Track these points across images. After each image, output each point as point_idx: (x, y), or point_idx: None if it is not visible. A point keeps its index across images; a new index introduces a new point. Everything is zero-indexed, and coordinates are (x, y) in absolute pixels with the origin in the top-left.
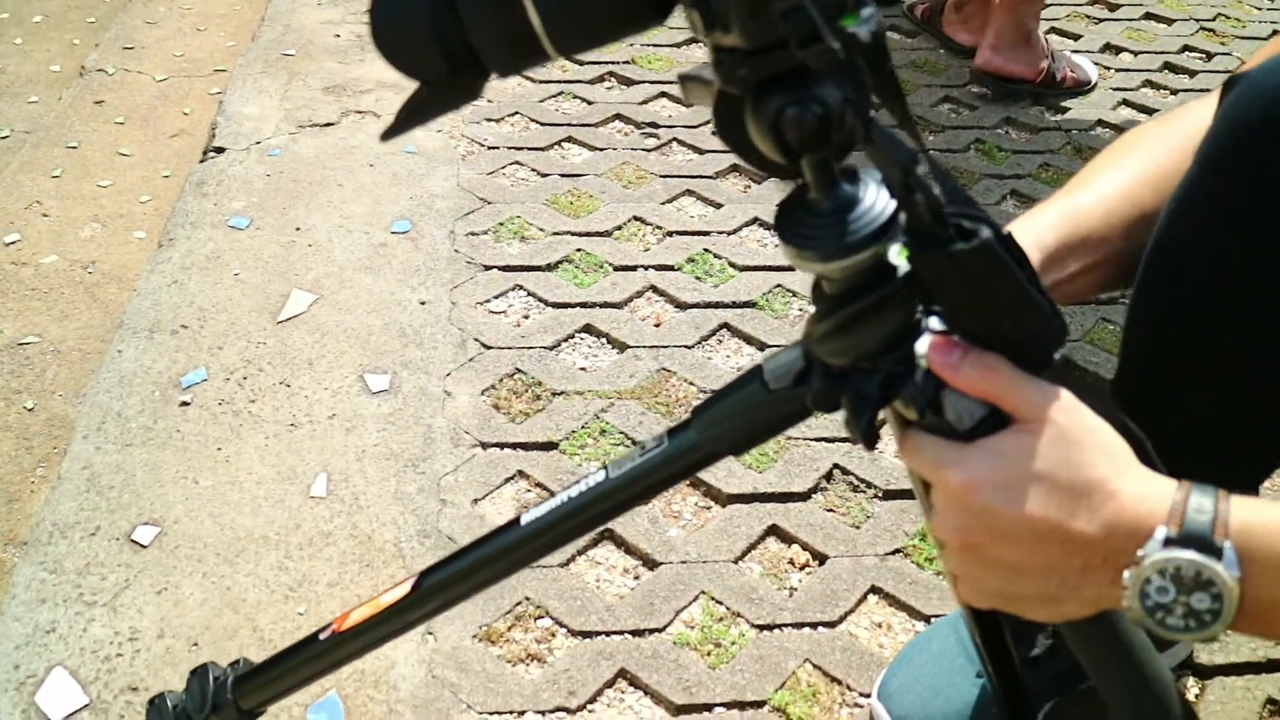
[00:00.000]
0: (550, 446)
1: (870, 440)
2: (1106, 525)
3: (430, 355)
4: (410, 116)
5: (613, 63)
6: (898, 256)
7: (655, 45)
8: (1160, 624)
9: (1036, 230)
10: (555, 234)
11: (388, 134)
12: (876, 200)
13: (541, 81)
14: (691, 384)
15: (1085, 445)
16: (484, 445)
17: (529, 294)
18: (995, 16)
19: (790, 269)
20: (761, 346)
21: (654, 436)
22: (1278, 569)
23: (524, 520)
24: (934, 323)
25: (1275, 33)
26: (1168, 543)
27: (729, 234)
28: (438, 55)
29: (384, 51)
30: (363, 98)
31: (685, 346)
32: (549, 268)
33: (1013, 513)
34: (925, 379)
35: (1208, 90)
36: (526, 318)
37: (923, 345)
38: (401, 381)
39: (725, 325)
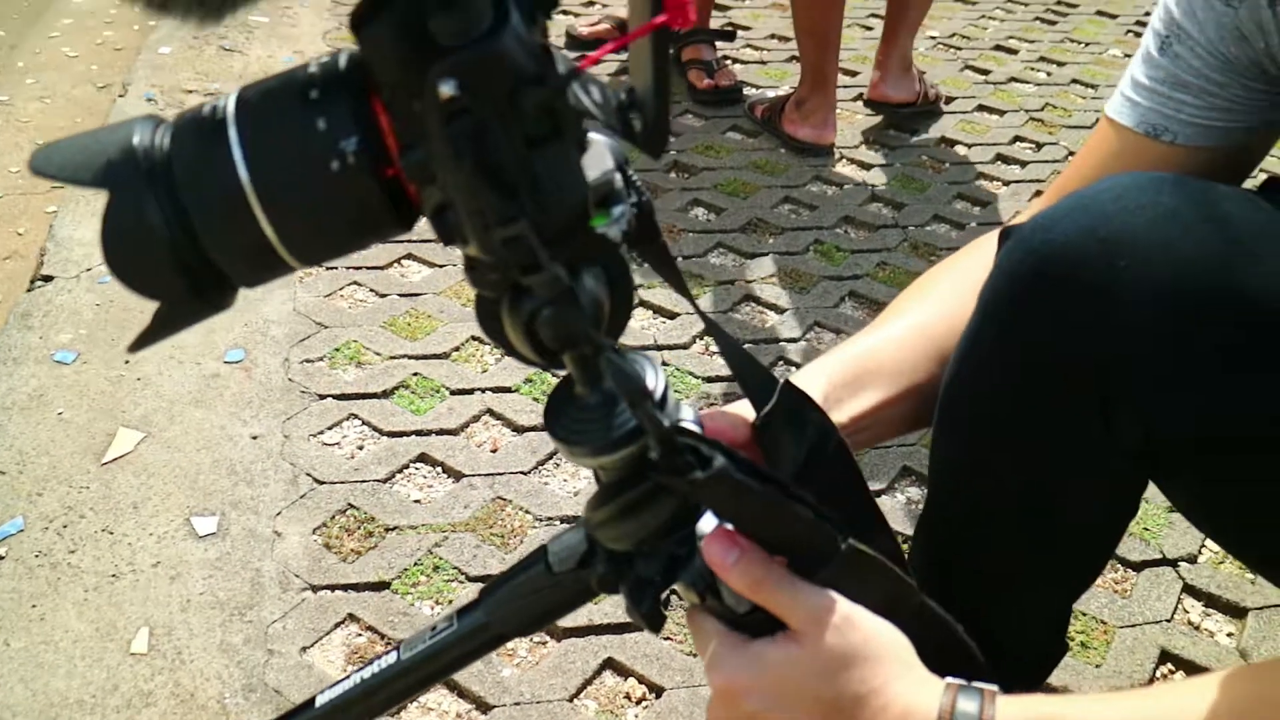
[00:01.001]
0: (382, 586)
1: (655, 624)
2: None
3: (260, 494)
4: (160, 328)
5: None
6: None
7: None
8: None
9: (831, 365)
10: (392, 358)
11: (135, 346)
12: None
13: None
14: (527, 512)
15: (853, 659)
16: (314, 588)
17: (363, 423)
18: (884, 53)
19: None
20: None
21: (444, 616)
22: None
23: (318, 702)
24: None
25: (1097, 120)
26: None
27: None
28: (177, 275)
29: (122, 278)
30: None
31: (522, 473)
32: (384, 394)
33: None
34: (704, 563)
35: (1039, 182)
36: (361, 449)
37: (706, 524)
38: (230, 523)
39: None
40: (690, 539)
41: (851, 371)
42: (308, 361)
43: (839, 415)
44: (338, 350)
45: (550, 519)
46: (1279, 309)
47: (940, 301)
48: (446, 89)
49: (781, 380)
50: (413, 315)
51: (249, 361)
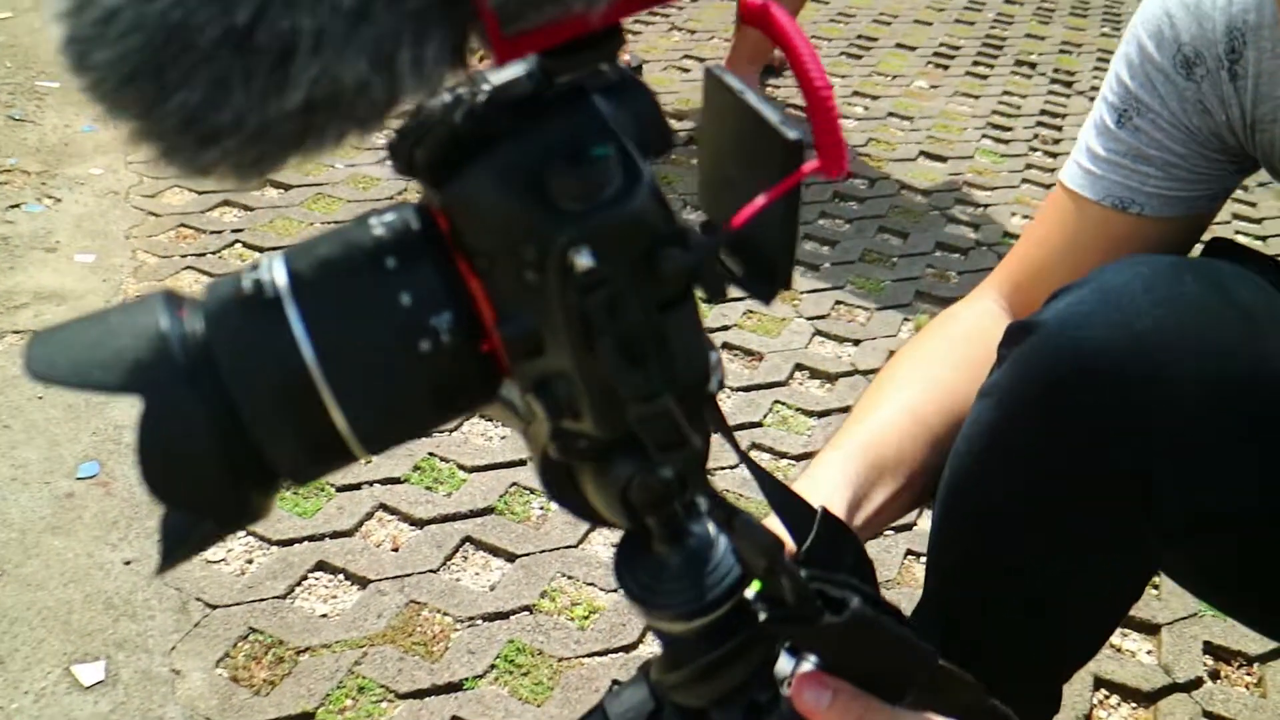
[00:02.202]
0: (307, 718)
1: None
2: None
3: (147, 628)
4: (182, 548)
5: None
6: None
7: (338, 222)
8: None
9: (843, 473)
10: None
11: (163, 567)
12: (727, 545)
13: (222, 275)
14: (446, 614)
15: None
16: None
17: (248, 533)
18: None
19: (523, 463)
20: (511, 558)
21: None
22: None
23: None
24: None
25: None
26: None
27: (451, 432)
28: (226, 483)
29: (165, 495)
30: (19, 314)
31: (431, 570)
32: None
33: None
34: (790, 707)
35: (880, 218)
36: (250, 563)
37: (785, 666)
38: (119, 667)
39: (468, 539)
40: (771, 682)
41: (866, 476)
42: None
43: (858, 520)
44: None
45: (472, 619)
46: None
47: (926, 382)
48: (584, 261)
49: (819, 510)
50: None
51: (106, 475)
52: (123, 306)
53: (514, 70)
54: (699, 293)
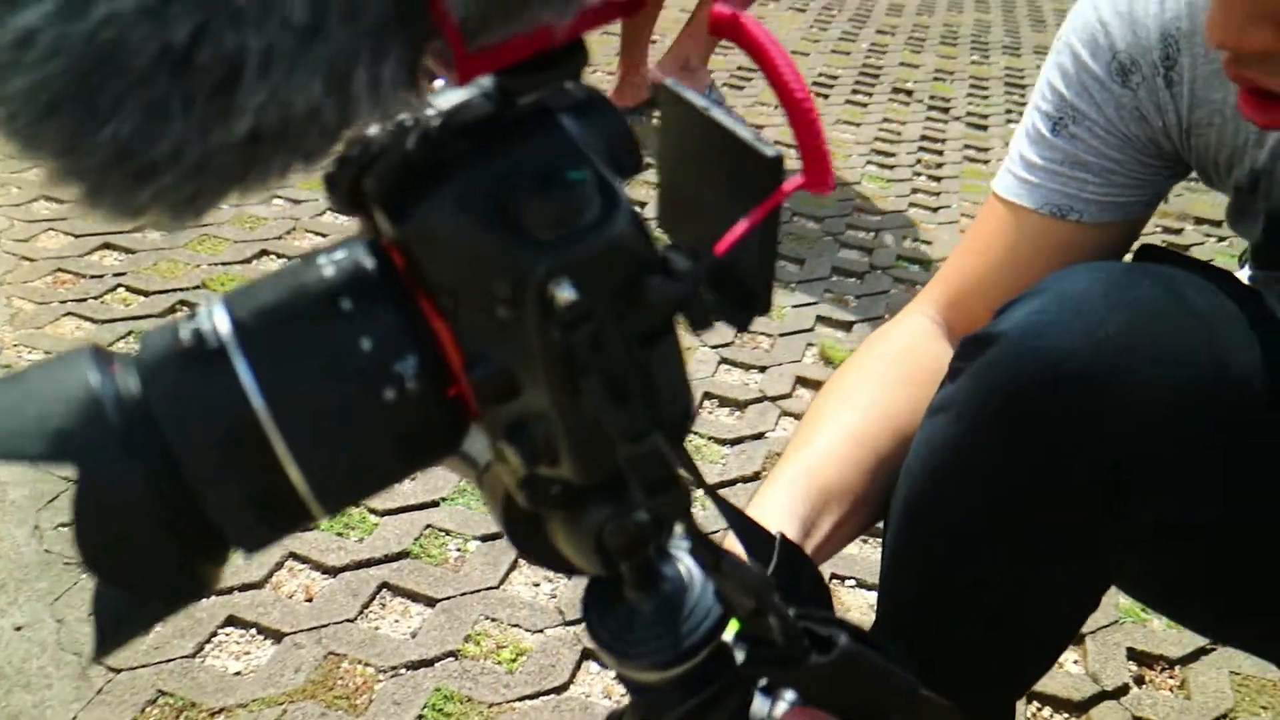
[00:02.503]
0: None
1: None
2: None
3: (45, 698)
4: (123, 630)
5: (183, 289)
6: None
7: (225, 264)
8: None
9: (789, 503)
10: None
11: (100, 652)
12: (703, 587)
13: (105, 321)
14: (367, 665)
15: None
16: None
17: None
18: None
19: (437, 504)
20: (431, 603)
21: None
22: None
23: None
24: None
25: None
26: None
27: None
28: (172, 555)
29: (107, 572)
30: None
31: (348, 620)
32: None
33: None
34: None
35: (786, 258)
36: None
37: (760, 706)
38: None
39: (385, 585)
40: None
41: (812, 505)
42: (64, 526)
43: (807, 550)
44: None
45: (395, 669)
46: (1255, 393)
47: (866, 404)
48: (566, 294)
49: (778, 535)
50: None
51: None
52: (44, 366)
53: (464, 92)
54: (681, 323)
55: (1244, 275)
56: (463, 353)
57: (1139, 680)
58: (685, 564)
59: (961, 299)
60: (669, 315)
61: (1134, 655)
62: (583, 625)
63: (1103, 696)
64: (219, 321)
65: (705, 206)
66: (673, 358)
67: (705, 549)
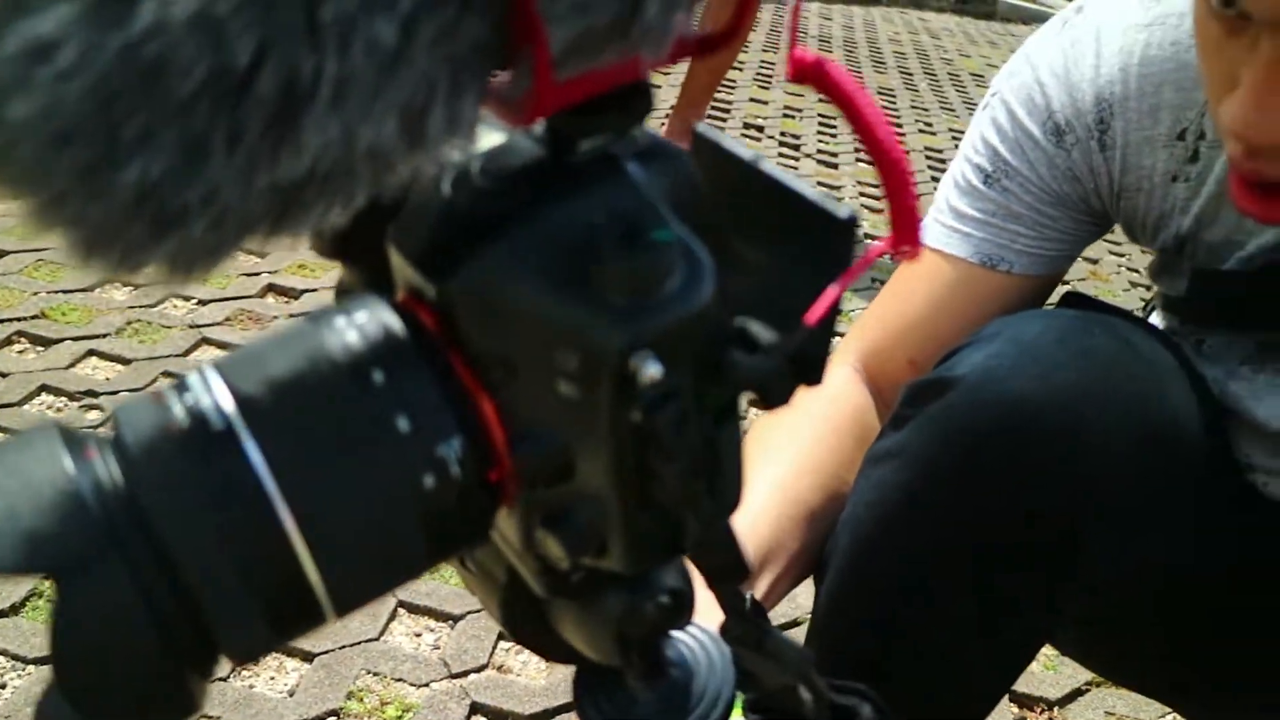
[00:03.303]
0: None
1: None
2: None
3: None
4: None
5: (20, 319)
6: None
7: (66, 292)
8: None
9: None
10: None
11: None
12: (708, 668)
13: None
14: None
15: None
16: None
17: (2, 654)
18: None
19: None
20: (308, 658)
21: None
22: None
23: None
24: None
25: None
26: None
27: None
28: (170, 669)
29: (83, 698)
30: None
31: (219, 679)
32: (13, 611)
33: None
34: None
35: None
36: (2, 686)
37: None
38: None
39: None
40: None
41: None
42: None
43: None
44: None
45: None
46: (1198, 442)
47: (793, 458)
48: (652, 371)
49: (749, 597)
50: None
51: None
52: (3, 450)
53: (497, 135)
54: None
55: (1155, 321)
56: (507, 430)
57: None
58: (690, 643)
59: (882, 348)
60: (749, 391)
61: (1015, 697)
62: (472, 677)
63: None
64: (220, 397)
65: (755, 270)
66: (738, 438)
67: (751, 628)
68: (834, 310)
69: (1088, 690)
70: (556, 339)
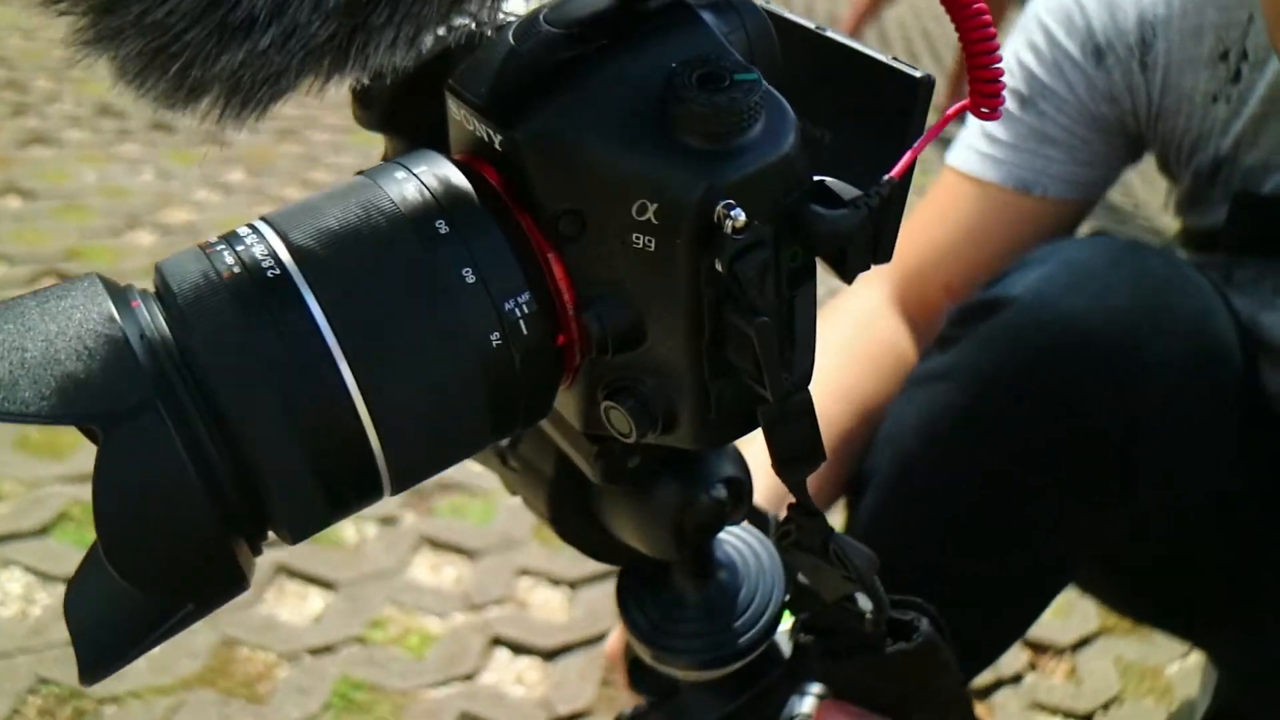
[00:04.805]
0: None
1: None
2: None
3: None
4: (135, 646)
5: (51, 258)
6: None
7: (94, 236)
8: None
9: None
10: (36, 484)
11: (95, 671)
12: (758, 575)
13: None
14: (265, 649)
15: None
16: None
17: (27, 570)
18: None
19: None
20: (331, 586)
21: None
22: None
23: None
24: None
25: None
26: None
27: None
28: (220, 535)
29: (126, 559)
30: None
31: (244, 604)
32: (42, 531)
33: None
34: None
35: None
36: (32, 603)
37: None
38: None
39: (282, 568)
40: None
41: (781, 493)
42: None
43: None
44: None
45: (294, 652)
46: (1238, 363)
47: (824, 382)
48: (739, 217)
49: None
50: (49, 430)
51: None
52: (44, 295)
53: None
54: (827, 267)
55: None
56: (576, 290)
57: (1032, 666)
58: (741, 548)
59: (917, 273)
60: (833, 248)
61: (1027, 643)
62: (493, 610)
63: (1001, 684)
64: (276, 245)
65: (826, 136)
66: (813, 304)
67: (817, 526)
68: (908, 177)
69: (1097, 638)
70: (633, 187)
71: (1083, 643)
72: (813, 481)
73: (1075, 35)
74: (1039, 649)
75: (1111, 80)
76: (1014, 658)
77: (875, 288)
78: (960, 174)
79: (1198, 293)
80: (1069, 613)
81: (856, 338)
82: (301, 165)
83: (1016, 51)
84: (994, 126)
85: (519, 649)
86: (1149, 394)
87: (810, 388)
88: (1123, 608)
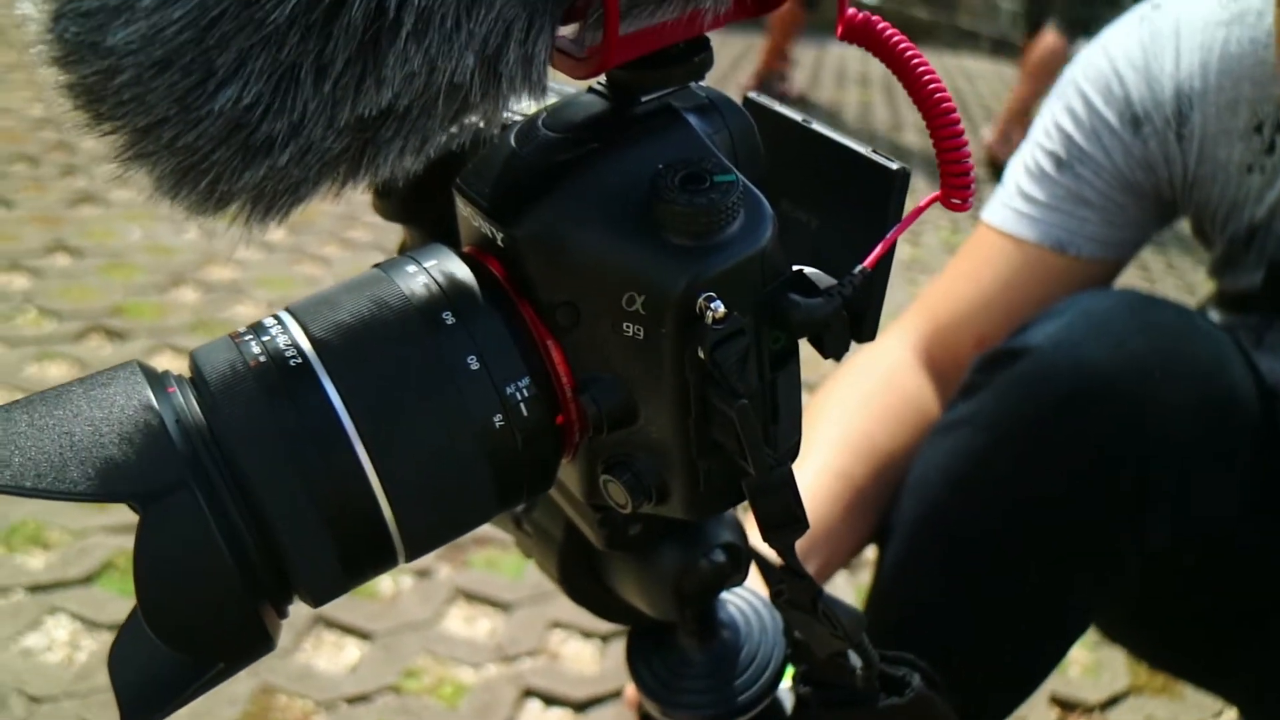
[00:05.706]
0: None
1: None
2: None
3: None
4: (173, 700)
5: (96, 314)
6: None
7: (139, 292)
8: None
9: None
10: (83, 535)
11: None
12: (759, 634)
13: (17, 345)
14: (303, 696)
15: None
16: None
17: (73, 617)
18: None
19: None
20: (367, 636)
21: None
22: None
23: None
24: None
25: None
26: None
27: None
28: (247, 600)
29: (164, 624)
30: None
31: (283, 650)
32: (87, 580)
33: None
34: None
35: None
36: (78, 649)
37: None
38: None
39: (319, 618)
40: None
41: (801, 549)
42: None
43: None
44: (12, 531)
45: (331, 701)
46: (1253, 415)
47: (846, 438)
48: (719, 308)
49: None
50: None
51: None
52: (87, 384)
53: (559, 89)
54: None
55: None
56: (573, 374)
57: None
58: (743, 608)
59: (948, 325)
60: (809, 335)
61: (1056, 701)
62: (526, 662)
63: None
64: (297, 336)
65: (805, 224)
66: (797, 386)
67: (805, 587)
68: (888, 261)
69: (1126, 696)
70: (622, 280)
71: (1112, 701)
72: (835, 544)
73: (1114, 104)
74: (1068, 706)
75: (1148, 149)
76: (1043, 715)
77: (903, 339)
78: (996, 231)
79: (1211, 342)
80: (1099, 671)
81: (879, 392)
82: (341, 224)
83: (1055, 116)
84: (1031, 186)
85: (551, 700)
86: (1160, 437)
87: (832, 442)
88: (1155, 660)
